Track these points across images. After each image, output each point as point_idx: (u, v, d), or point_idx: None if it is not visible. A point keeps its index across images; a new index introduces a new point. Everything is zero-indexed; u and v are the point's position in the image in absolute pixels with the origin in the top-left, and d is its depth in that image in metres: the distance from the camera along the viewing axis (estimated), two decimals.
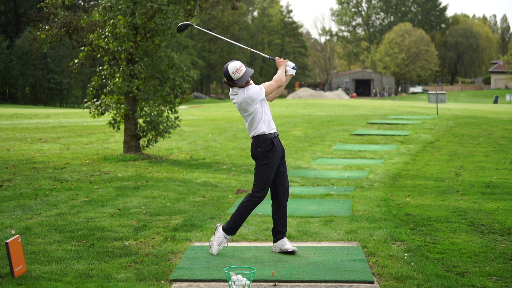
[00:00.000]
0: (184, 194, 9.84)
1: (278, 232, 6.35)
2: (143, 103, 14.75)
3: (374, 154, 15.82)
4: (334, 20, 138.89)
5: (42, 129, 22.93)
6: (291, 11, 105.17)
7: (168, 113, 15.23)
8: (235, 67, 6.21)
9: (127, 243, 6.65)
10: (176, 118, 15.22)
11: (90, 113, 15.20)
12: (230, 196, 9.74)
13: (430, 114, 28.51)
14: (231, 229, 6.25)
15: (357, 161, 14.44)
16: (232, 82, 6.26)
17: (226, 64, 6.29)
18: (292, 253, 6.27)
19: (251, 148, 6.38)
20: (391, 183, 11.32)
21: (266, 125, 6.28)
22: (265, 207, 8.13)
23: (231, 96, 6.38)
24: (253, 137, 6.31)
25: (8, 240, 5.40)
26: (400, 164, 13.99)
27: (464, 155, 15.55)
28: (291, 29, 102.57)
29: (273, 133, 6.29)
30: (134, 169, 12.80)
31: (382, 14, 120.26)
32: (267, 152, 6.24)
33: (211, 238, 6.25)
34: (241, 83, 6.23)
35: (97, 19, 14.63)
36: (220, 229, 6.25)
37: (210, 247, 6.22)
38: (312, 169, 13.20)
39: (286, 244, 6.31)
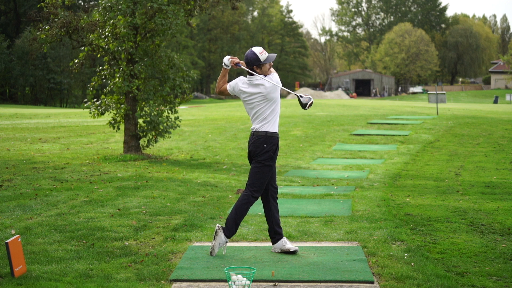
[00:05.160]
0: (184, 194, 9.84)
1: (276, 233, 6.32)
2: (143, 103, 14.75)
3: (374, 154, 15.82)
4: (334, 20, 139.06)
5: (42, 129, 22.94)
6: (291, 11, 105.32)
7: (168, 113, 15.24)
8: (260, 48, 6.20)
9: (127, 243, 6.65)
10: (176, 118, 15.22)
11: (90, 113, 15.19)
12: (230, 196, 9.73)
13: (430, 114, 28.51)
14: (232, 233, 6.19)
15: (357, 161, 14.44)
16: (257, 66, 6.16)
17: (246, 52, 6.22)
18: (293, 253, 6.24)
19: (254, 142, 6.16)
20: (391, 183, 11.31)
21: (277, 124, 6.24)
22: None
23: (251, 90, 6.16)
24: (260, 132, 6.14)
25: (8, 240, 5.40)
26: (400, 164, 13.99)
27: (464, 155, 15.55)
28: (291, 29, 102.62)
29: (278, 133, 6.27)
30: (134, 169, 12.80)
31: (382, 14, 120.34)
32: (272, 152, 6.16)
33: (213, 244, 6.12)
34: (268, 62, 6.17)
35: (97, 19, 14.62)
36: (222, 234, 6.10)
37: (211, 253, 6.14)
38: (312, 169, 13.20)
39: (287, 244, 6.29)
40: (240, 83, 6.29)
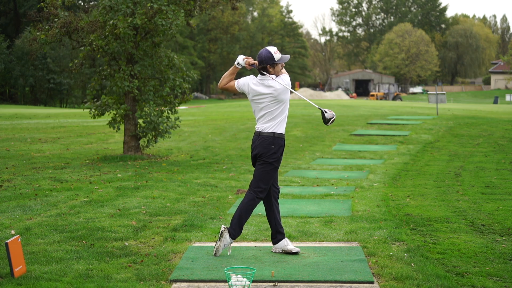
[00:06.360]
0: (184, 194, 9.84)
1: (278, 233, 6.31)
2: (143, 104, 14.75)
3: (374, 154, 15.82)
4: (334, 20, 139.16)
5: (42, 129, 22.93)
6: (291, 11, 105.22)
7: (168, 113, 15.23)
8: (275, 47, 6.18)
9: (127, 243, 6.64)
10: (177, 118, 15.22)
11: (90, 113, 15.18)
12: (230, 196, 9.73)
13: (430, 114, 28.52)
14: (237, 234, 6.16)
15: (357, 161, 14.44)
16: (270, 66, 6.13)
17: (260, 51, 6.19)
18: (295, 254, 6.24)
19: (261, 143, 6.11)
20: (391, 183, 11.32)
21: (285, 125, 6.22)
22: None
23: (262, 90, 6.12)
24: (268, 133, 6.11)
25: (8, 240, 5.40)
26: (400, 164, 13.99)
27: (464, 155, 15.55)
28: (291, 30, 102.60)
29: (284, 134, 6.25)
30: (134, 169, 12.80)
31: (382, 14, 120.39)
32: (280, 153, 6.15)
33: (218, 245, 6.09)
34: (281, 62, 6.16)
35: (97, 19, 14.61)
36: (227, 236, 6.08)
37: (215, 254, 6.12)
38: (312, 169, 13.20)
39: (289, 244, 6.28)
40: (251, 82, 6.24)
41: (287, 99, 6.20)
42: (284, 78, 6.20)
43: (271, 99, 6.14)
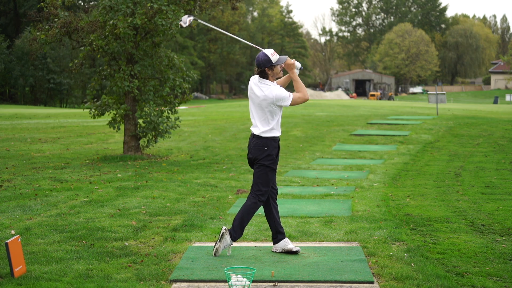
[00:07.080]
0: (184, 194, 9.84)
1: (278, 232, 6.31)
2: (143, 104, 14.75)
3: (374, 154, 15.82)
4: (334, 21, 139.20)
5: (42, 129, 22.93)
6: (291, 11, 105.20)
7: (168, 113, 15.23)
8: (271, 49, 6.19)
9: (127, 243, 6.64)
10: (177, 118, 15.22)
11: (90, 113, 15.18)
12: (230, 197, 9.73)
13: (430, 114, 28.52)
14: (238, 236, 6.16)
15: (357, 162, 14.44)
16: (268, 68, 6.12)
17: (258, 55, 6.18)
18: (295, 253, 6.24)
19: (254, 146, 6.14)
20: (391, 183, 11.31)
21: (279, 128, 6.20)
22: None
23: (256, 90, 6.13)
24: (261, 135, 6.12)
25: (8, 241, 5.40)
26: (400, 164, 13.99)
27: (464, 156, 15.55)
28: (291, 30, 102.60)
29: (279, 136, 6.25)
30: (134, 169, 12.80)
31: (382, 14, 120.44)
32: (275, 155, 6.15)
33: (217, 246, 6.10)
34: (279, 64, 6.14)
35: (97, 19, 14.61)
36: (228, 237, 6.08)
37: (215, 254, 6.12)
38: (312, 169, 13.20)
39: (289, 244, 6.29)
40: (253, 80, 6.25)
41: (275, 109, 6.13)
42: (279, 91, 6.11)
43: (258, 103, 6.14)
